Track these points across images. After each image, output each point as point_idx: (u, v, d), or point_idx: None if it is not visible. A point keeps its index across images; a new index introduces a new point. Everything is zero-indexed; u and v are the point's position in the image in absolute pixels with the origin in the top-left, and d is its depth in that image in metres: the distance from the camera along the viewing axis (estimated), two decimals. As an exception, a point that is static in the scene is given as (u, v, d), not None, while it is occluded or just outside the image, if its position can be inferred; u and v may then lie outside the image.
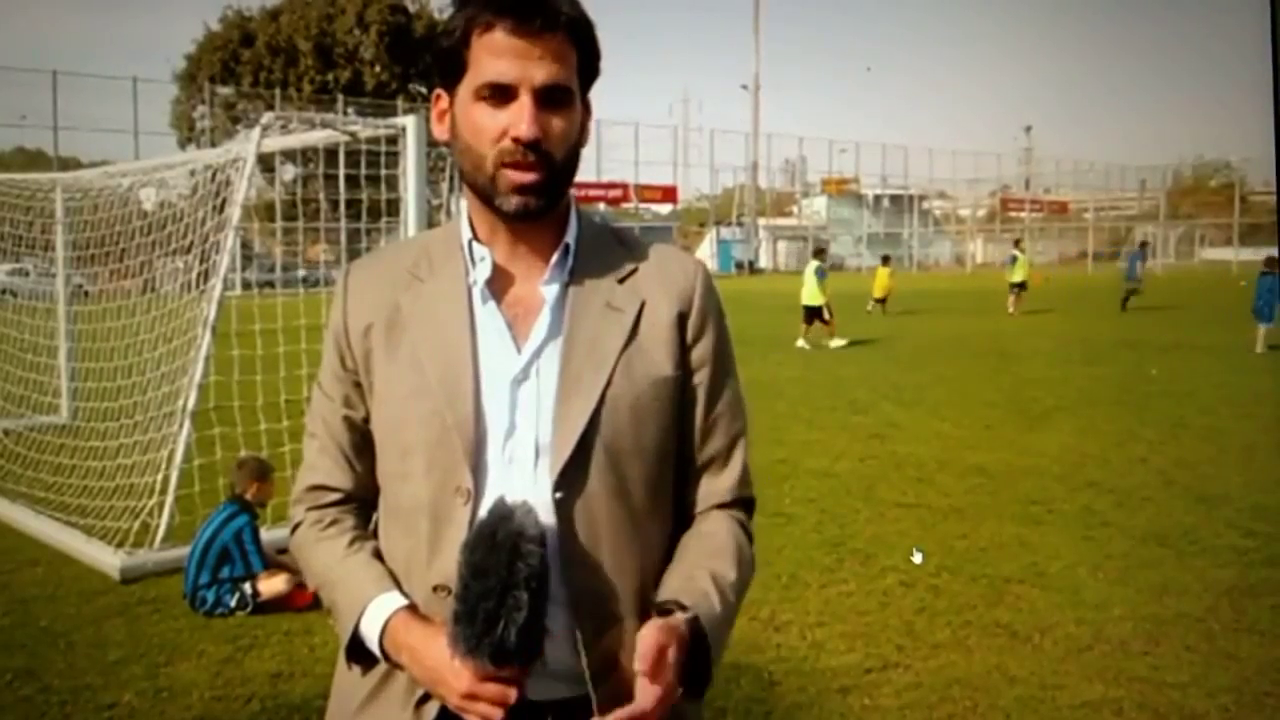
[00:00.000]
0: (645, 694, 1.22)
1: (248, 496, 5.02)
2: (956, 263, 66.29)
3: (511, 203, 1.31)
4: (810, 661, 4.18)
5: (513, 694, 1.25)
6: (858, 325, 19.00)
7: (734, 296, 8.89)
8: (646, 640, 1.23)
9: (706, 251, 54.12)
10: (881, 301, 22.96)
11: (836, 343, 16.51)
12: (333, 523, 1.44)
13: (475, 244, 1.39)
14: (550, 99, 1.30)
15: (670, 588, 1.35)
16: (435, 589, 1.32)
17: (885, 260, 24.16)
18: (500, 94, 1.29)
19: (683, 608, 1.30)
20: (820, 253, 18.26)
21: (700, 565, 1.38)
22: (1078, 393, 11.47)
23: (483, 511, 1.27)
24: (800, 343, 16.57)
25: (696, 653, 1.29)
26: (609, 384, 1.33)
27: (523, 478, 1.31)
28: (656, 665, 1.22)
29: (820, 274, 16.99)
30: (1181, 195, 67.22)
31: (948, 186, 71.17)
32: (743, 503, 1.47)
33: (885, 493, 6.99)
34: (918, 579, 5.19)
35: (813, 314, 16.84)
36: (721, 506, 1.45)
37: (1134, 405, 10.57)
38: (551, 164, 1.31)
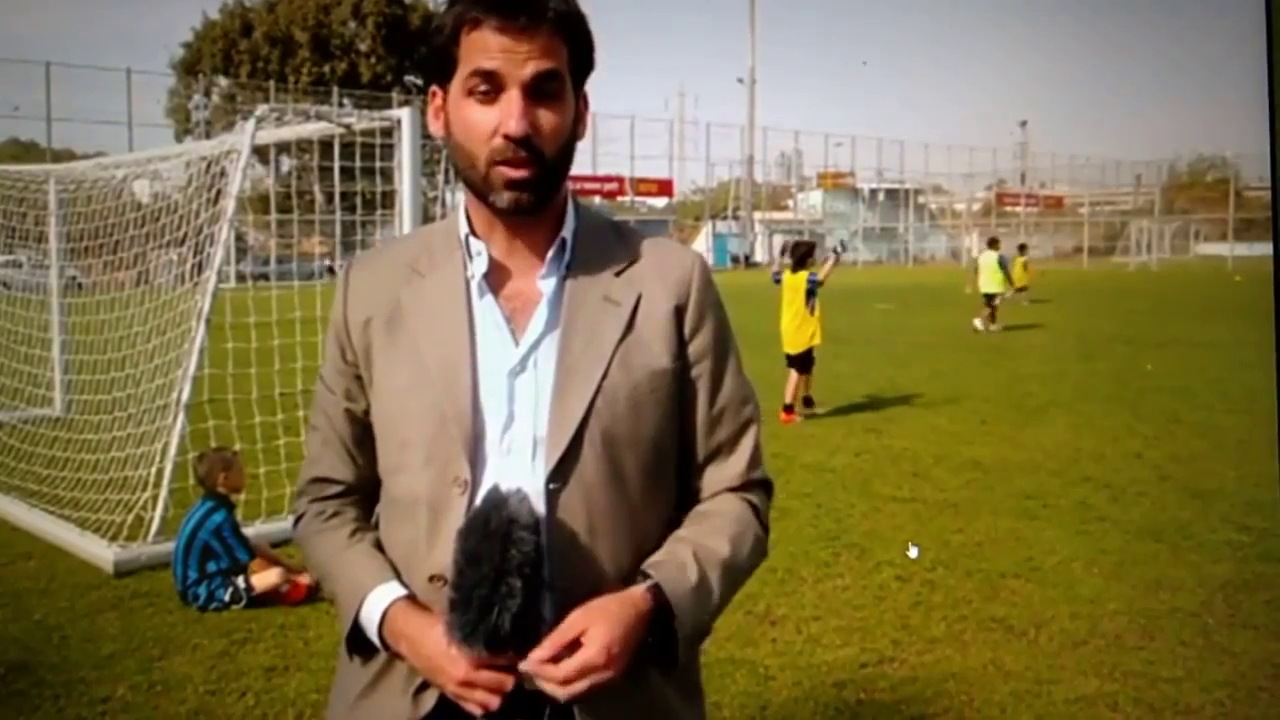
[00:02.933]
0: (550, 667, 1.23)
1: (219, 489, 5.00)
2: (952, 257, 66.32)
3: (505, 199, 1.31)
4: (805, 656, 4.18)
5: (509, 681, 1.26)
6: (1009, 315, 19.51)
7: (729, 290, 8.83)
8: (561, 626, 1.25)
9: (702, 245, 54.07)
10: (1023, 290, 23.28)
11: (985, 326, 17.93)
12: (334, 514, 1.46)
13: (472, 238, 1.40)
14: (540, 93, 1.30)
15: (649, 561, 1.36)
16: (431, 579, 1.34)
17: (1022, 249, 24.76)
18: (489, 91, 1.29)
19: (646, 576, 1.31)
20: (995, 243, 19.61)
21: (686, 539, 1.39)
22: (1073, 388, 11.48)
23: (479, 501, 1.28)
24: (977, 324, 18.11)
25: (661, 621, 1.30)
26: (605, 376, 1.34)
27: (520, 468, 1.32)
28: (560, 649, 1.23)
29: (1002, 263, 18.48)
30: (1177, 190, 67.26)
31: (943, 181, 71.20)
32: (754, 485, 1.47)
33: (881, 487, 7.00)
34: (913, 574, 5.19)
35: (992, 299, 18.30)
36: (731, 490, 1.45)
37: (1129, 401, 10.58)
38: (542, 159, 1.31)
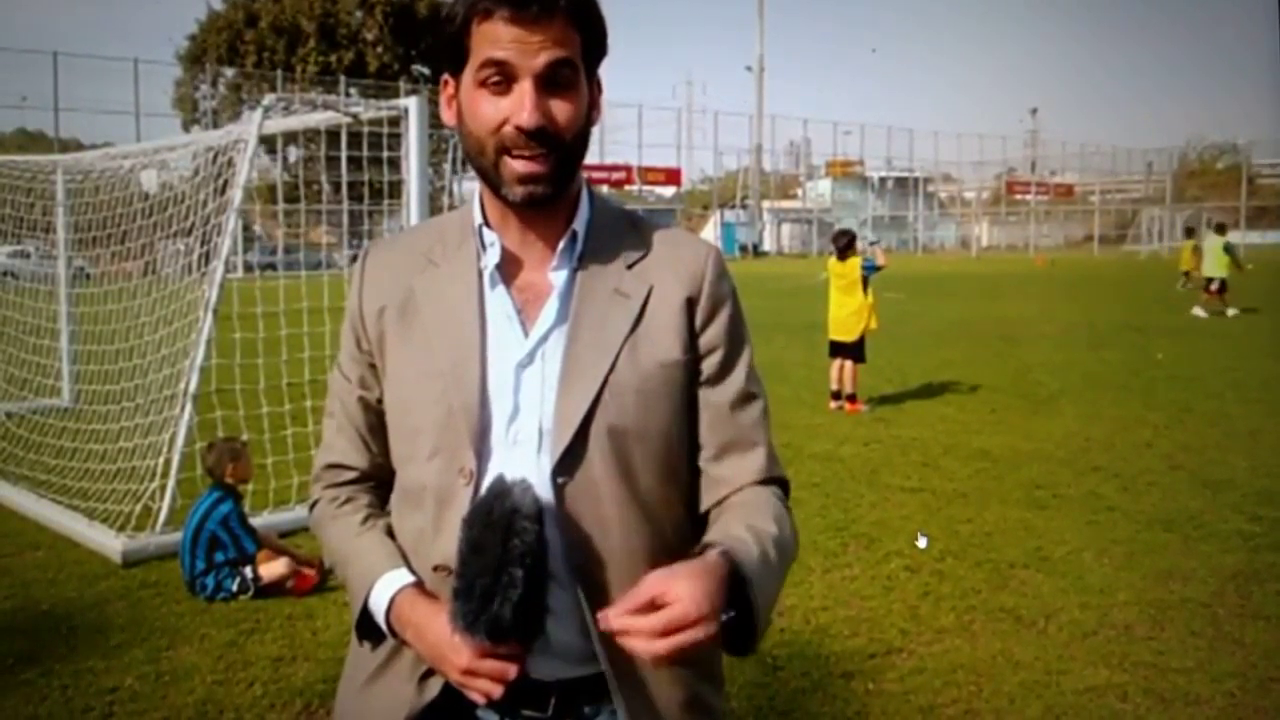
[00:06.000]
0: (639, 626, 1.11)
1: (227, 479, 5.00)
2: (962, 246, 66.12)
3: (517, 193, 1.31)
4: (814, 647, 4.16)
5: (512, 671, 1.26)
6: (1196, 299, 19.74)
7: (738, 279, 8.79)
8: (634, 590, 1.14)
9: (710, 234, 53.96)
10: (1186, 275, 23.50)
11: (1232, 311, 18.36)
12: (347, 500, 1.47)
13: (486, 229, 1.40)
14: (553, 82, 1.28)
15: (706, 538, 1.30)
16: (436, 568, 1.34)
17: (1190, 233, 24.92)
18: (501, 81, 1.28)
19: (707, 548, 1.23)
20: (1222, 228, 20.21)
21: (735, 518, 1.33)
22: (1083, 377, 11.42)
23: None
24: (1199, 312, 18.29)
25: (735, 591, 1.19)
26: (612, 369, 1.33)
27: (526, 461, 1.32)
28: (638, 608, 1.12)
29: (1228, 249, 18.93)
30: (1188, 178, 66.88)
31: (953, 169, 70.96)
32: (775, 482, 1.45)
33: (889, 477, 6.97)
34: (922, 564, 5.17)
35: (1222, 284, 18.79)
36: (755, 485, 1.42)
37: (1140, 390, 10.52)
38: (558, 149, 1.30)
